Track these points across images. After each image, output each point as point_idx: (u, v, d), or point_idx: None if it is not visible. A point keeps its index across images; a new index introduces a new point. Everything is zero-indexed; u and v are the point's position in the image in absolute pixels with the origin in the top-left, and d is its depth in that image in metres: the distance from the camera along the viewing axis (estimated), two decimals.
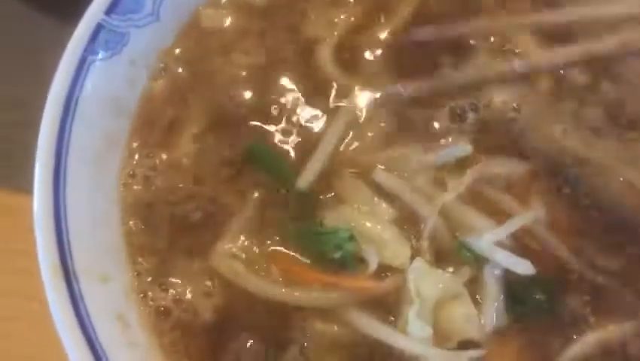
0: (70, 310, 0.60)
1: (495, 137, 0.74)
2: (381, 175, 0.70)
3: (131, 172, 0.72)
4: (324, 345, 0.66)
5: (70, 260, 0.62)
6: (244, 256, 0.69)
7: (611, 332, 0.67)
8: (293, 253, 0.69)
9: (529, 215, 0.69)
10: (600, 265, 0.69)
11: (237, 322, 0.67)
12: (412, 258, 0.67)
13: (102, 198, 0.70)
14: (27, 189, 0.66)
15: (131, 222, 0.70)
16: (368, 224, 0.68)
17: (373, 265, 0.66)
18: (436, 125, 0.74)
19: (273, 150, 0.73)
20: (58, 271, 0.61)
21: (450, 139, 0.73)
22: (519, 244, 0.68)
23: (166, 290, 0.67)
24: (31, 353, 0.84)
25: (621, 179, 0.73)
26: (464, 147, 0.72)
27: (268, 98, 0.75)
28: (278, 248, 0.69)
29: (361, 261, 0.67)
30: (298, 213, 0.70)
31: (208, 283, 0.68)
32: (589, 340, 0.67)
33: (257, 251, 0.69)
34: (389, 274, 0.67)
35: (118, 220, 0.70)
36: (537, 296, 0.68)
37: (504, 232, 0.67)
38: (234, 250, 0.69)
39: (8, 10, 1.01)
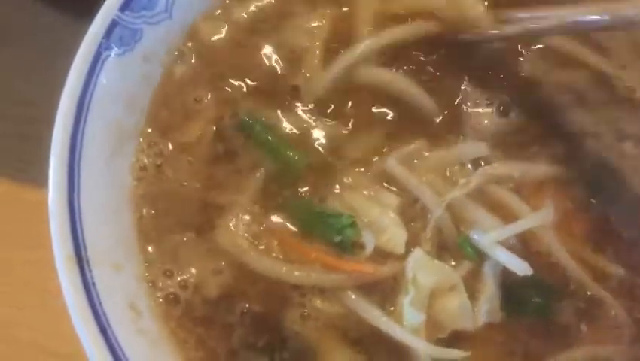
0: (83, 298, 0.61)
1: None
2: (392, 165, 0.71)
3: (142, 165, 0.73)
4: (322, 320, 0.68)
5: (83, 250, 0.63)
6: (248, 232, 0.70)
7: (599, 351, 0.69)
8: (295, 231, 0.70)
9: (536, 218, 0.70)
10: (602, 276, 0.71)
11: (239, 296, 0.69)
12: (412, 247, 0.68)
13: (114, 189, 0.71)
14: (41, 182, 0.67)
15: (143, 211, 0.71)
16: (369, 207, 0.70)
17: (369, 249, 0.68)
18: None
19: (264, 122, 0.74)
20: (72, 260, 0.62)
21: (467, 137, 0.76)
22: (524, 246, 0.69)
23: (174, 276, 0.69)
24: (46, 343, 0.86)
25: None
26: (479, 148, 0.74)
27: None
28: (281, 224, 0.71)
29: (359, 246, 0.69)
30: (299, 188, 0.72)
31: (215, 263, 0.70)
32: (576, 355, 0.68)
33: (261, 228, 0.71)
34: (387, 260, 0.69)
35: (130, 211, 0.71)
36: (534, 299, 0.69)
37: (509, 231, 0.68)
38: (239, 226, 0.70)
39: (24, 7, 1.03)
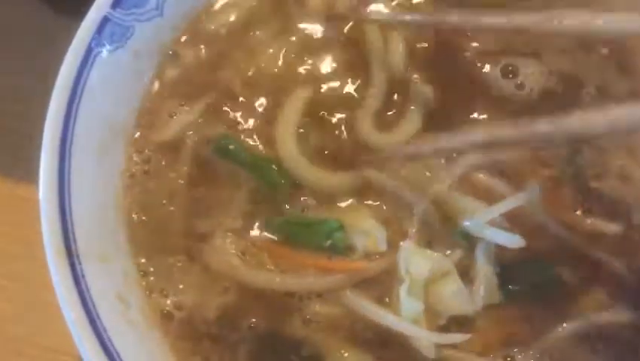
0: (73, 290, 0.61)
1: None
2: (369, 171, 0.73)
3: (131, 172, 0.74)
4: (324, 323, 0.69)
5: (73, 243, 0.64)
6: (237, 250, 0.71)
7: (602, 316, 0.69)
8: (283, 242, 0.71)
9: (522, 196, 0.70)
10: (597, 238, 0.71)
11: (238, 313, 0.69)
12: (400, 242, 0.69)
13: (104, 187, 0.72)
14: (33, 179, 0.68)
15: (132, 215, 0.72)
16: (348, 215, 0.72)
17: (360, 248, 0.69)
18: None
19: (241, 144, 0.75)
20: (62, 253, 0.63)
21: None
22: (514, 225, 0.70)
23: (169, 296, 0.70)
24: (40, 338, 0.86)
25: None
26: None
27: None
28: (268, 237, 0.72)
29: (349, 248, 0.70)
30: (282, 204, 0.73)
31: (210, 284, 0.70)
32: (578, 324, 0.69)
33: (249, 244, 0.71)
34: (378, 257, 0.70)
35: (120, 211, 0.72)
36: (530, 275, 0.70)
37: (497, 210, 0.69)
38: (227, 245, 0.71)
39: (16, 5, 1.03)
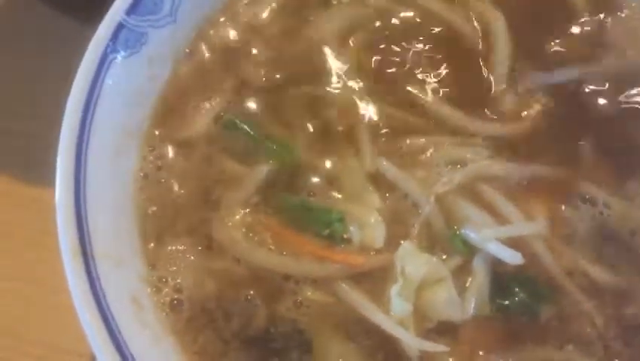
0: (88, 290, 0.62)
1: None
2: (381, 162, 0.74)
3: (144, 173, 0.76)
4: (314, 308, 0.70)
5: (88, 244, 0.65)
6: (242, 226, 0.72)
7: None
8: (287, 224, 0.73)
9: (531, 227, 0.72)
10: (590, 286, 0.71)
11: (236, 288, 0.71)
12: (401, 241, 0.71)
13: (118, 189, 0.73)
14: (48, 182, 0.69)
15: (145, 212, 0.74)
16: (353, 207, 0.73)
17: (356, 242, 0.71)
18: None
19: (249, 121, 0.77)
20: (77, 253, 0.64)
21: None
22: (513, 245, 0.70)
23: (170, 281, 0.71)
24: (53, 339, 0.88)
25: None
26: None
27: None
28: (274, 218, 0.73)
29: (346, 240, 0.72)
30: (290, 185, 0.74)
31: (211, 260, 0.72)
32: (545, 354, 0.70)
33: (254, 222, 0.73)
34: (371, 253, 0.71)
35: (133, 211, 0.73)
36: (521, 294, 0.71)
37: (504, 232, 0.70)
38: (234, 220, 0.73)
39: (32, 11, 1.05)
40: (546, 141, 0.78)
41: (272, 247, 0.72)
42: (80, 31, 0.75)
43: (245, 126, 0.77)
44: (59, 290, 0.67)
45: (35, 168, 0.84)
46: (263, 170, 0.75)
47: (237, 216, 0.73)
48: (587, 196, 0.75)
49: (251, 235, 0.72)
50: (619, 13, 0.85)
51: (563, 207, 0.74)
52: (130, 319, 0.65)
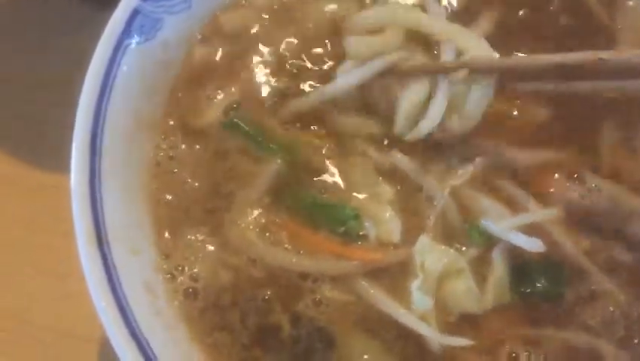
0: (103, 277, 0.63)
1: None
2: (395, 154, 0.74)
3: (157, 160, 0.75)
4: (333, 306, 0.70)
5: (104, 232, 0.65)
6: (257, 226, 0.72)
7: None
8: (302, 222, 0.72)
9: (546, 213, 0.71)
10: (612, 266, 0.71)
11: (253, 287, 0.70)
12: (417, 234, 0.70)
13: (133, 176, 0.73)
14: (63, 168, 0.69)
15: (159, 201, 0.73)
16: (366, 200, 0.72)
17: (373, 238, 0.70)
18: None
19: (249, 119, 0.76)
20: (93, 240, 0.64)
21: None
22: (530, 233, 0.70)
23: (186, 270, 0.71)
24: (61, 325, 0.88)
25: None
26: None
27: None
28: (288, 216, 0.72)
29: (362, 237, 0.71)
30: (300, 184, 0.74)
31: (227, 256, 0.71)
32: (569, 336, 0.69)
33: (269, 221, 0.72)
34: (387, 249, 0.71)
35: (147, 199, 0.73)
36: (542, 281, 0.71)
37: (517, 222, 0.70)
38: (248, 220, 0.72)
39: None
40: (554, 125, 0.77)
41: (288, 247, 0.71)
42: (95, 17, 0.74)
43: (248, 128, 0.76)
44: (68, 277, 0.68)
45: (52, 154, 0.84)
46: (273, 169, 0.74)
47: (250, 217, 0.72)
48: (594, 183, 0.74)
49: (267, 234, 0.72)
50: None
51: (576, 192, 0.74)
52: (145, 307, 0.65)
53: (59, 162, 0.69)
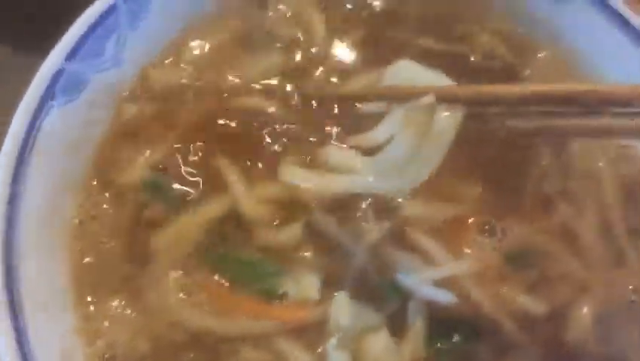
0: (13, 343, 0.62)
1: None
2: (316, 213, 0.75)
3: (80, 220, 0.75)
4: None
5: (17, 298, 0.65)
6: (177, 287, 0.72)
7: None
8: (223, 283, 0.73)
9: (459, 265, 0.73)
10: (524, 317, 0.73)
11: (172, 352, 0.70)
12: (335, 291, 0.72)
13: (55, 235, 0.73)
14: None
15: (81, 260, 0.73)
16: (287, 260, 0.74)
17: (293, 296, 0.72)
18: None
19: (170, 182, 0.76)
20: (4, 305, 0.64)
21: None
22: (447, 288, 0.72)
23: (106, 332, 0.71)
24: None
25: None
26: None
27: None
28: (209, 277, 0.73)
29: (282, 294, 0.72)
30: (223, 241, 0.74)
31: (145, 321, 0.71)
32: None
33: (190, 282, 0.72)
34: (308, 306, 0.72)
35: (70, 258, 0.73)
36: (456, 336, 0.72)
37: (430, 275, 0.72)
38: (168, 281, 0.72)
39: None
40: (458, 178, 0.79)
41: (207, 308, 0.72)
42: (26, 62, 0.74)
43: (168, 190, 0.76)
44: None
45: None
46: (195, 225, 0.74)
47: (171, 279, 0.72)
48: (501, 228, 0.77)
49: (184, 296, 0.72)
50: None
51: (485, 241, 0.76)
52: None
53: None
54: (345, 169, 0.75)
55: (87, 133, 0.78)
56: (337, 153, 0.76)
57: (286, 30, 0.87)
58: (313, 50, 0.86)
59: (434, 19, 0.88)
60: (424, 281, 0.71)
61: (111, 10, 0.78)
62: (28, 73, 0.74)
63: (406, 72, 0.78)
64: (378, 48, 0.86)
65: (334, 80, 0.84)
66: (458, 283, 0.73)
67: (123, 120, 0.80)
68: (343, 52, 0.87)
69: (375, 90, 0.80)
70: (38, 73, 0.74)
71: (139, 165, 0.78)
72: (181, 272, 0.73)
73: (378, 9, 0.90)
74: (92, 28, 0.77)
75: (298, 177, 0.75)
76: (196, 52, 0.86)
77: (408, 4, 0.89)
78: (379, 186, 0.74)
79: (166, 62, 0.85)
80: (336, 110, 0.81)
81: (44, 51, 0.75)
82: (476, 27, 0.89)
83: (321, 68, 0.85)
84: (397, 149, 0.73)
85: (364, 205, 0.75)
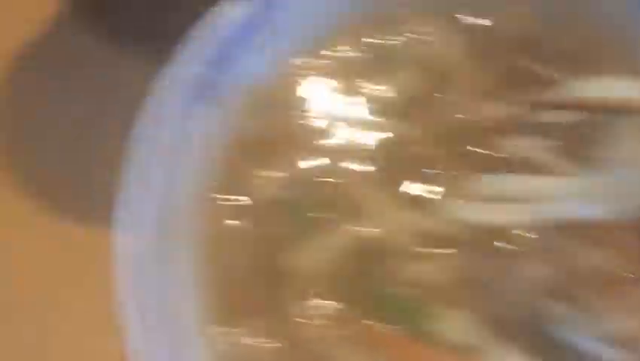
0: None
1: None
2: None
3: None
4: None
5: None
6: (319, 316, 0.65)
7: None
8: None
9: None
10: None
11: None
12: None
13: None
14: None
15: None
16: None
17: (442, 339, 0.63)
18: None
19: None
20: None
21: None
22: None
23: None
24: None
25: None
26: None
27: None
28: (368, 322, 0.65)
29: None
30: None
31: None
32: None
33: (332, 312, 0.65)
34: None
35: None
36: None
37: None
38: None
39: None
40: None
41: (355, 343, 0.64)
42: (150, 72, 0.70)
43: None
44: None
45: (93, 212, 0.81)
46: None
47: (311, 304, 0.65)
48: None
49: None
50: None
51: None
52: None
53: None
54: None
55: (222, 142, 0.73)
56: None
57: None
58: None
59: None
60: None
61: (252, 16, 0.75)
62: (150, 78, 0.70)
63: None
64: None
65: None
66: None
67: (260, 131, 0.76)
68: None
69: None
70: (173, 78, 0.70)
71: (275, 180, 0.72)
72: (319, 300, 0.66)
73: None
74: (235, 32, 0.73)
75: (468, 211, 0.68)
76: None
77: None
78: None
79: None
80: None
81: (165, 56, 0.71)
82: None
83: None
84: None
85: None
